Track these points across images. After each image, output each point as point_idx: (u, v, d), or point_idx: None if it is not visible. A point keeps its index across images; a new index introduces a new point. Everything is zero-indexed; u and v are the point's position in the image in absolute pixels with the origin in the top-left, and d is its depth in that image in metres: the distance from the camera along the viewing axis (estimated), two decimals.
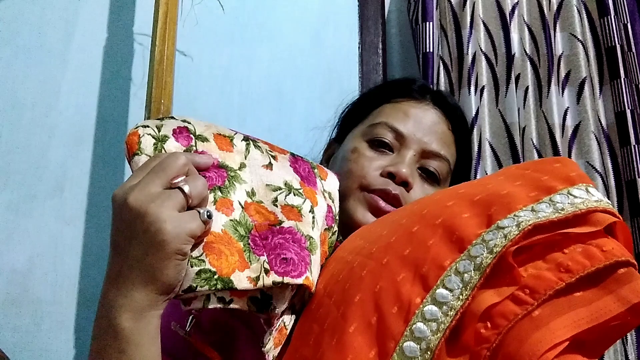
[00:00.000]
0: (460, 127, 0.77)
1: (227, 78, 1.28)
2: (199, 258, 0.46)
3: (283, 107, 1.33)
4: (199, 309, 0.47)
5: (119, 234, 0.45)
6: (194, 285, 0.45)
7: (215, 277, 0.45)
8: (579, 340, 0.40)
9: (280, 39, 1.39)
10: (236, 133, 0.57)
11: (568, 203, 0.45)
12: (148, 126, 0.51)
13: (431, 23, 1.40)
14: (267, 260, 0.48)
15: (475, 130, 1.29)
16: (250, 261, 0.48)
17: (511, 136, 1.29)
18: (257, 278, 0.47)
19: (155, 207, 0.43)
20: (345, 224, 0.66)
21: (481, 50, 1.37)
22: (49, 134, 1.06)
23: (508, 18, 1.38)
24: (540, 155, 1.28)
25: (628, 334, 1.15)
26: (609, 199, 1.25)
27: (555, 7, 1.40)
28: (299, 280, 0.49)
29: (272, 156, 0.57)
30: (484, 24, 1.40)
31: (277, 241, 0.50)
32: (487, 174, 1.27)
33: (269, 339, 0.49)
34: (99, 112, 1.12)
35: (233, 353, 0.58)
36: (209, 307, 0.47)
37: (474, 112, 1.30)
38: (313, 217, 0.54)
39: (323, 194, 0.60)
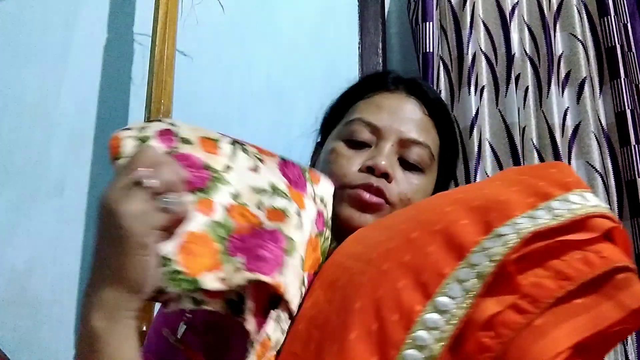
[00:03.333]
0: (439, 111, 0.76)
1: (227, 78, 1.28)
2: (167, 257, 0.46)
3: (283, 107, 1.33)
4: (173, 311, 0.48)
5: (97, 234, 0.46)
6: (163, 286, 0.46)
7: (180, 277, 0.46)
8: (582, 345, 0.40)
9: (280, 39, 1.39)
10: (223, 136, 0.57)
11: (565, 209, 0.45)
12: (130, 129, 0.53)
13: (431, 23, 1.40)
14: (241, 261, 0.49)
15: (475, 130, 1.29)
16: (223, 262, 0.48)
17: (511, 136, 1.29)
18: (229, 278, 0.48)
19: (117, 204, 0.44)
20: (336, 227, 0.66)
21: (481, 50, 1.37)
22: (49, 134, 1.06)
23: (508, 18, 1.38)
24: (540, 155, 1.28)
25: (628, 335, 1.15)
26: (608, 199, 1.25)
27: (555, 7, 1.40)
28: (268, 279, 0.48)
29: (259, 159, 0.57)
30: (484, 24, 1.40)
31: (256, 242, 0.50)
32: (487, 174, 1.27)
33: (252, 352, 0.48)
34: (99, 112, 1.12)
35: (227, 353, 0.58)
36: (186, 307, 0.47)
37: (474, 112, 1.30)
38: (299, 219, 0.55)
39: (313, 199, 0.60)
